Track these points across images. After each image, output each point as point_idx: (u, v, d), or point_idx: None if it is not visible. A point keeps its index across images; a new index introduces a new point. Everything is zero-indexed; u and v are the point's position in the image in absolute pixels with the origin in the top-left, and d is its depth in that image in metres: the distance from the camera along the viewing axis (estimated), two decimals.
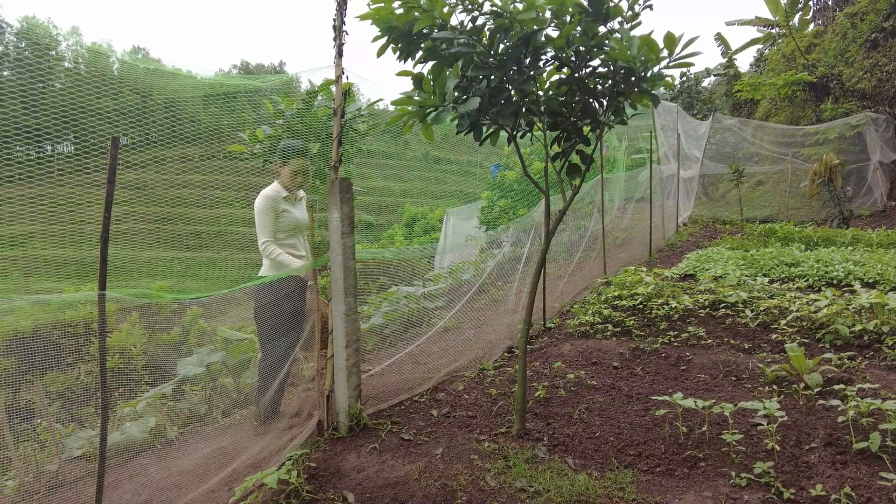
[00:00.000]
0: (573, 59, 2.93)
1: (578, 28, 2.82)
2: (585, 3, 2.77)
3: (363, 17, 2.86)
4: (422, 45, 2.94)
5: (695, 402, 3.09)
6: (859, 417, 3.02)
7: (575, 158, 3.27)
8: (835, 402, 3.14)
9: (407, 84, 3.02)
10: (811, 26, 20.07)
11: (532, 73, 2.93)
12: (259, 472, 2.75)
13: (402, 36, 2.91)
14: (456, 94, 2.94)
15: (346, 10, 3.35)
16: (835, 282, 6.57)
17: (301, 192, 3.90)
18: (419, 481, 2.80)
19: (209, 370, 4.69)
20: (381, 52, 3.00)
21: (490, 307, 6.44)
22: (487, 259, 8.47)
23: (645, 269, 7.32)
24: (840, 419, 3.07)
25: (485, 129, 3.11)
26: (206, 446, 3.58)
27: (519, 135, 3.26)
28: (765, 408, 2.96)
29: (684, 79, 22.20)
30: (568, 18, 2.81)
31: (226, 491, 2.94)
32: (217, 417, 4.35)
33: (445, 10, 2.74)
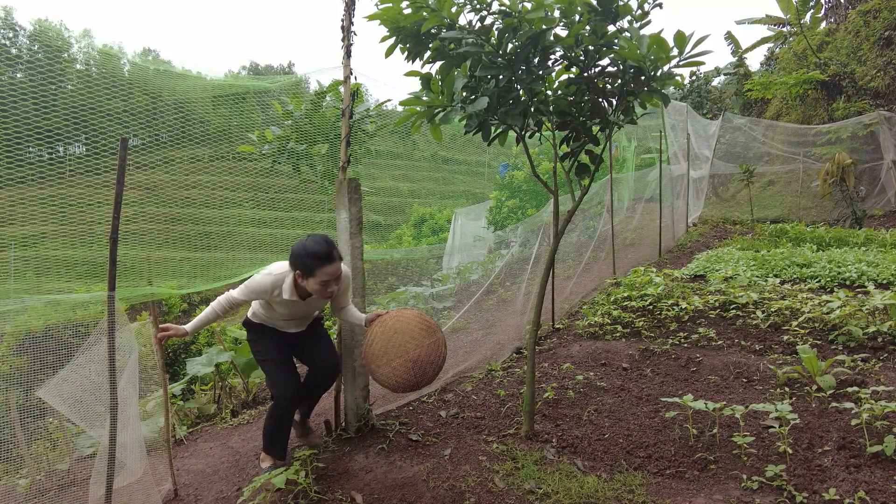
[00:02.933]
0: (582, 58, 2.91)
1: (587, 27, 2.80)
2: (594, 2, 2.75)
3: (371, 18, 2.86)
4: (430, 45, 2.94)
5: (705, 403, 3.06)
6: (873, 420, 2.98)
7: (584, 158, 3.25)
8: (848, 404, 3.10)
9: (415, 84, 3.01)
10: (823, 24, 19.87)
11: (541, 72, 2.92)
12: (267, 472, 2.76)
13: (410, 36, 2.90)
14: (464, 94, 2.93)
15: (354, 10, 3.35)
16: (848, 283, 6.49)
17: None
18: (427, 482, 2.79)
19: (218, 370, 4.72)
20: (389, 52, 3.00)
21: (498, 308, 6.42)
22: (496, 259, 8.45)
23: (654, 269, 7.28)
24: (854, 422, 3.03)
25: (493, 129, 3.10)
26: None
27: (527, 135, 3.24)
28: (777, 410, 2.93)
29: (694, 78, 22.01)
30: (577, 17, 2.80)
31: (234, 490, 2.95)
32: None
33: (454, 9, 2.72)
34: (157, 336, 2.84)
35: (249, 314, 3.11)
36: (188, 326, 2.90)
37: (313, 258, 2.70)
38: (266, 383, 3.09)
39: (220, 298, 2.94)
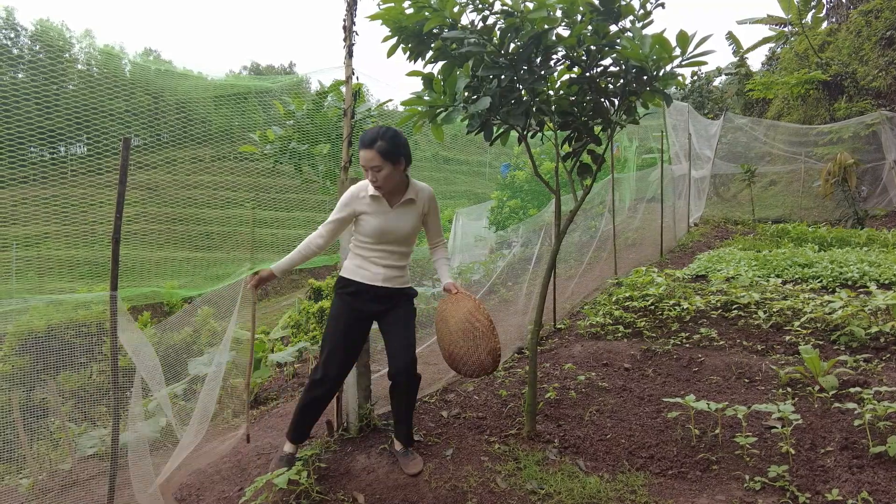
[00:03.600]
0: (584, 58, 2.91)
1: (589, 27, 2.80)
2: (597, 2, 2.74)
3: (373, 18, 2.86)
4: (432, 45, 2.93)
5: (707, 404, 3.05)
6: (876, 421, 2.97)
7: (586, 158, 3.25)
8: (851, 405, 3.09)
9: (417, 84, 3.01)
10: (824, 24, 19.85)
11: (543, 72, 2.92)
12: (269, 473, 2.75)
13: (412, 36, 2.90)
14: (466, 93, 2.93)
15: (356, 10, 3.35)
16: (850, 283, 6.49)
17: (408, 195, 2.84)
18: (429, 483, 2.79)
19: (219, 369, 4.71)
20: (391, 52, 3.00)
21: (500, 308, 6.41)
22: (497, 259, 8.45)
23: (656, 269, 7.27)
24: (856, 423, 3.03)
25: (495, 128, 3.10)
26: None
27: (529, 135, 3.24)
28: (779, 410, 2.92)
29: (695, 78, 22.01)
30: (579, 17, 2.79)
31: (236, 491, 2.95)
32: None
33: (456, 9, 2.72)
34: (252, 285, 2.83)
35: (342, 270, 2.97)
36: (274, 267, 2.85)
37: (360, 141, 2.74)
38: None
39: (307, 238, 2.90)
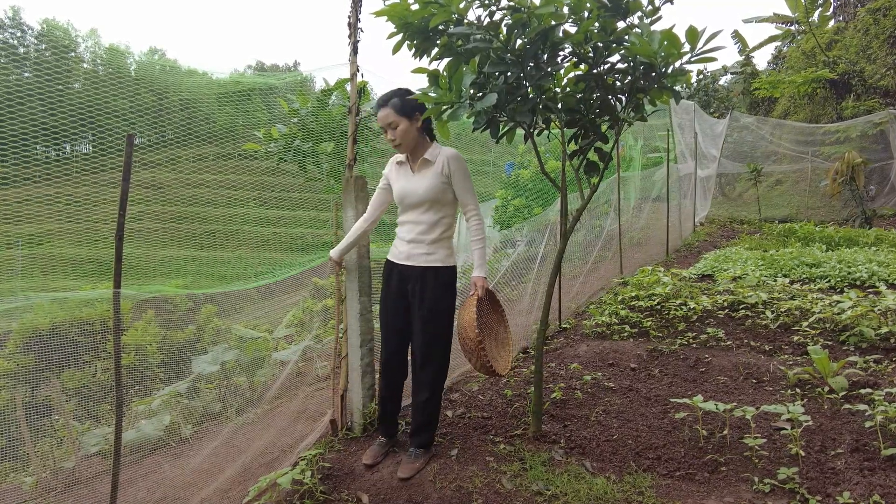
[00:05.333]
0: (591, 55, 2.88)
1: (597, 23, 2.76)
2: None
3: (378, 14, 2.83)
4: (438, 42, 2.90)
5: (715, 405, 3.02)
6: (887, 423, 2.93)
7: (593, 156, 3.22)
8: (861, 406, 3.05)
9: (422, 81, 2.98)
10: (832, 22, 19.74)
11: (550, 69, 2.88)
12: (273, 472, 2.74)
13: (417, 32, 2.87)
14: (472, 90, 2.90)
15: (360, 7, 3.33)
16: (858, 283, 6.43)
17: (426, 156, 2.91)
18: (434, 483, 2.77)
19: (223, 368, 4.70)
20: (396, 48, 2.97)
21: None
22: (501, 259, 8.41)
23: (662, 269, 7.22)
24: (867, 424, 2.98)
25: (501, 126, 3.07)
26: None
27: (536, 132, 3.21)
28: (789, 411, 2.88)
29: (701, 77, 21.89)
30: (586, 14, 2.76)
31: (239, 490, 2.94)
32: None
33: (462, 5, 2.69)
34: (334, 264, 3.11)
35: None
36: (332, 252, 3.08)
37: (376, 104, 2.87)
38: None
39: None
